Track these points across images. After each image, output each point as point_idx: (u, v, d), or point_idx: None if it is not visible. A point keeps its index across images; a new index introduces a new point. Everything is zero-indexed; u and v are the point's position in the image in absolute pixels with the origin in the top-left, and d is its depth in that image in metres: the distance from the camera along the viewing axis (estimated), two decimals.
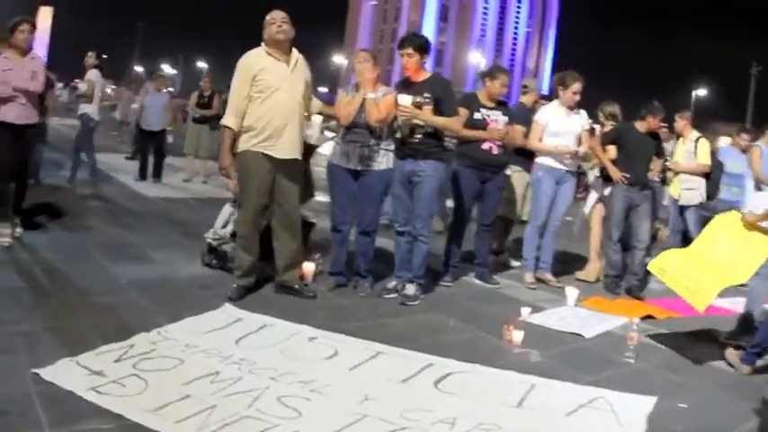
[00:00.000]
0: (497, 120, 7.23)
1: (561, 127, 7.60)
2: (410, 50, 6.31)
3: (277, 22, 5.85)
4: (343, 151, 6.39)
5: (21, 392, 3.72)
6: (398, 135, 6.45)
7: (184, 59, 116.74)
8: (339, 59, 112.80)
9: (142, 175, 12.56)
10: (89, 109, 10.91)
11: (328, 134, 8.70)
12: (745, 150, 9.28)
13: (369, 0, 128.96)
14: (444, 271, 7.39)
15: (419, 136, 6.36)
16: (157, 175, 12.59)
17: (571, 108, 7.70)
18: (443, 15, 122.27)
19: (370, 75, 6.24)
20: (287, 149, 5.90)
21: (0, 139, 6.87)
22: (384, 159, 6.36)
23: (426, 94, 6.25)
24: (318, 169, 6.98)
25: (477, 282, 7.56)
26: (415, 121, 6.28)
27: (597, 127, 8.65)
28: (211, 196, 11.52)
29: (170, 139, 12.82)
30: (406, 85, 6.45)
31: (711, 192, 9.27)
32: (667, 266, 5.78)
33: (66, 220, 8.27)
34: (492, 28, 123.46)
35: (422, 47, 6.35)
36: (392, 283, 6.63)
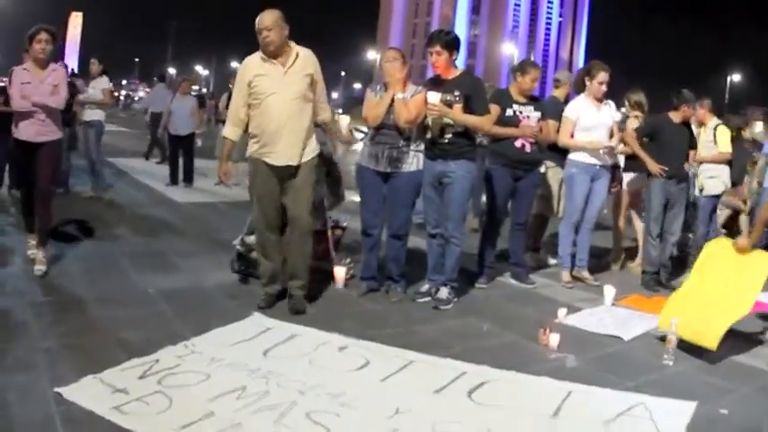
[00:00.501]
0: (530, 116, 7.01)
1: (592, 120, 7.38)
2: (438, 48, 6.14)
3: (262, 34, 5.49)
4: (371, 153, 6.24)
5: (42, 414, 3.65)
6: (428, 135, 6.28)
7: (217, 59, 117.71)
8: (372, 55, 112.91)
9: (173, 180, 12.53)
10: (100, 116, 10.77)
11: (357, 135, 8.46)
12: None
13: None
14: (479, 272, 7.20)
15: (449, 136, 6.19)
16: (188, 179, 12.55)
17: (600, 100, 7.48)
18: (475, 8, 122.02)
19: (399, 74, 6.08)
20: (284, 156, 5.64)
21: (19, 157, 6.62)
22: (414, 161, 6.20)
23: (456, 92, 6.06)
24: (352, 167, 6.83)
25: (513, 282, 7.38)
26: (445, 120, 6.10)
27: (624, 118, 8.42)
28: (243, 199, 11.26)
29: (199, 142, 12.78)
30: (436, 84, 6.27)
31: (736, 178, 9.06)
32: (673, 316, 5.49)
33: (94, 228, 8.18)
34: (524, 19, 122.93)
35: (450, 44, 6.17)
36: (425, 287, 6.49)
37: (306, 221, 5.85)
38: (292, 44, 5.66)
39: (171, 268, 6.98)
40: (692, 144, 8.00)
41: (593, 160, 7.39)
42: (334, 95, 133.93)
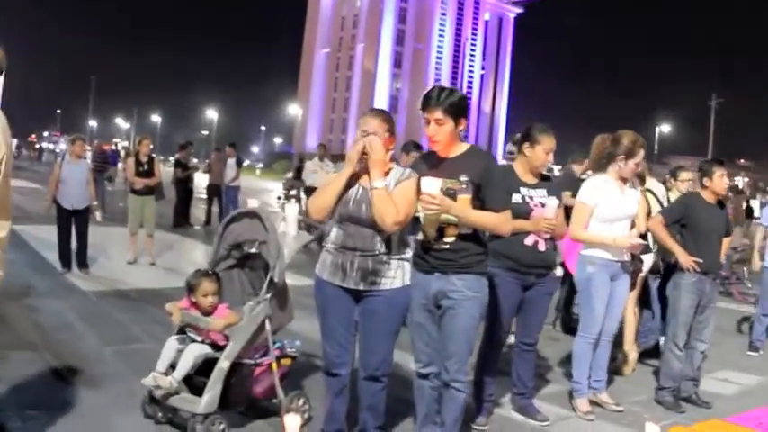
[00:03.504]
0: (546, 203, 5.15)
1: (615, 211, 5.68)
2: (439, 115, 4.19)
3: None
4: (335, 262, 4.28)
5: None
6: (419, 237, 4.33)
7: (139, 112, 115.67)
8: (294, 109, 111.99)
9: (65, 263, 10.05)
10: None
11: (304, 234, 5.98)
12: None
13: (321, 49, 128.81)
14: (476, 408, 5.30)
15: (451, 239, 4.22)
16: (83, 262, 10.14)
17: (624, 180, 5.76)
18: (397, 62, 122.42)
19: (381, 155, 4.13)
20: None
21: None
22: (398, 273, 4.27)
23: (463, 177, 4.12)
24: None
25: (519, 417, 5.54)
26: (447, 217, 4.13)
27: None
28: (159, 286, 9.38)
29: (98, 216, 10.46)
30: (432, 164, 4.36)
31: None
32: None
33: None
34: (447, 71, 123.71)
35: (456, 109, 4.21)
36: None
37: None
38: None
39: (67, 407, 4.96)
40: (728, 230, 6.33)
41: (613, 256, 5.67)
42: (255, 150, 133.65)
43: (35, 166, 41.36)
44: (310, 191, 16.23)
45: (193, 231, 16.96)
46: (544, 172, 5.48)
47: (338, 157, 27.23)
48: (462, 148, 4.35)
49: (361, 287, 4.23)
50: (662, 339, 7.10)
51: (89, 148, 24.62)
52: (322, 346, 4.49)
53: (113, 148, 36.96)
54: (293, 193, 21.16)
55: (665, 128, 73.06)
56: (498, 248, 4.97)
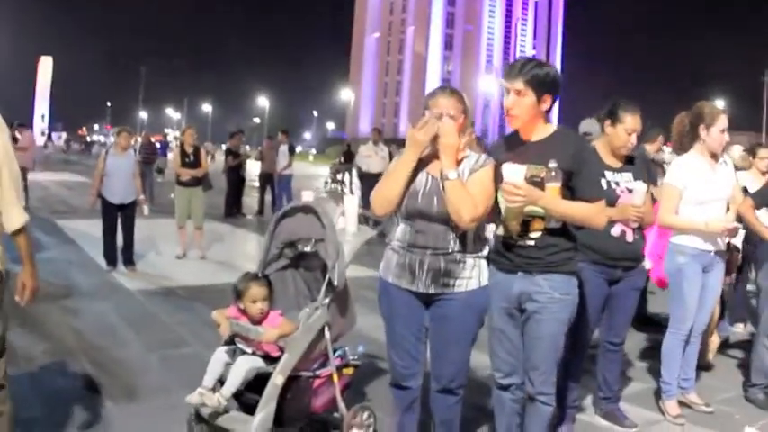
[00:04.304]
0: (633, 189, 4.47)
1: (708, 190, 4.97)
2: (520, 85, 3.53)
3: None
4: (401, 263, 3.67)
5: None
6: (500, 232, 3.69)
7: (189, 102, 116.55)
8: (346, 94, 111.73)
9: (110, 261, 9.56)
10: None
11: (366, 229, 5.22)
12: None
13: (371, 33, 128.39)
14: (558, 416, 4.54)
15: (537, 234, 3.57)
16: (129, 260, 9.64)
17: (715, 157, 5.05)
18: (448, 44, 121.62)
19: (453, 139, 3.52)
20: None
21: None
22: (474, 273, 3.65)
23: (552, 163, 3.44)
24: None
25: (604, 423, 4.92)
26: (532, 209, 3.48)
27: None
28: (209, 282, 8.89)
29: (145, 210, 9.99)
30: (514, 147, 3.70)
31: None
32: None
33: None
34: (498, 53, 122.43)
35: (541, 82, 3.52)
36: None
37: None
38: None
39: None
40: None
41: (707, 245, 4.99)
42: (307, 136, 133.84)
43: (84, 160, 41.44)
44: (365, 177, 15.68)
45: (245, 221, 16.47)
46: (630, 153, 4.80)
47: (391, 141, 26.60)
48: (548, 129, 3.66)
49: (433, 290, 3.62)
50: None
51: (137, 139, 24.37)
52: (388, 354, 3.90)
53: (163, 139, 36.64)
54: (339, 177, 20.70)
55: (718, 103, 71.61)
56: (582, 240, 4.11)
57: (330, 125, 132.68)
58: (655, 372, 5.45)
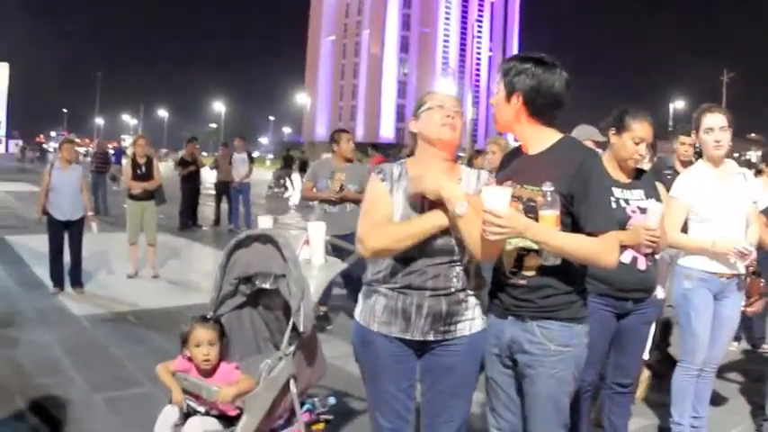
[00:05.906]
0: (647, 208, 3.90)
1: (712, 205, 4.44)
2: (498, 77, 3.05)
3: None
4: (391, 307, 3.05)
5: None
6: (495, 265, 3.12)
7: (145, 108, 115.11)
8: (302, 98, 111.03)
9: (57, 282, 8.88)
10: None
11: (334, 260, 4.50)
12: None
13: (327, 36, 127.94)
14: None
15: (531, 273, 2.99)
16: (77, 281, 8.96)
17: (718, 163, 4.53)
18: (404, 47, 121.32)
19: (449, 152, 3.12)
20: None
21: None
22: (477, 312, 3.09)
23: (546, 185, 2.84)
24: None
25: None
26: (522, 241, 2.86)
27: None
28: (162, 305, 8.21)
29: (94, 228, 9.29)
30: (512, 162, 3.18)
31: None
32: None
33: None
34: (454, 55, 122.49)
35: (505, 74, 3.03)
36: None
37: None
38: None
39: None
40: None
41: (717, 268, 4.43)
42: (264, 141, 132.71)
43: (39, 168, 40.36)
44: None
45: (202, 234, 15.75)
46: (641, 166, 4.26)
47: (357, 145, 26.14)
48: (549, 139, 3.06)
49: (431, 337, 3.03)
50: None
51: (89, 149, 23.52)
52: (371, 415, 3.26)
53: (119, 145, 35.71)
54: (282, 182, 20.16)
55: (678, 104, 72.07)
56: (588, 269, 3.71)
57: (287, 129, 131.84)
58: (658, 405, 4.98)
